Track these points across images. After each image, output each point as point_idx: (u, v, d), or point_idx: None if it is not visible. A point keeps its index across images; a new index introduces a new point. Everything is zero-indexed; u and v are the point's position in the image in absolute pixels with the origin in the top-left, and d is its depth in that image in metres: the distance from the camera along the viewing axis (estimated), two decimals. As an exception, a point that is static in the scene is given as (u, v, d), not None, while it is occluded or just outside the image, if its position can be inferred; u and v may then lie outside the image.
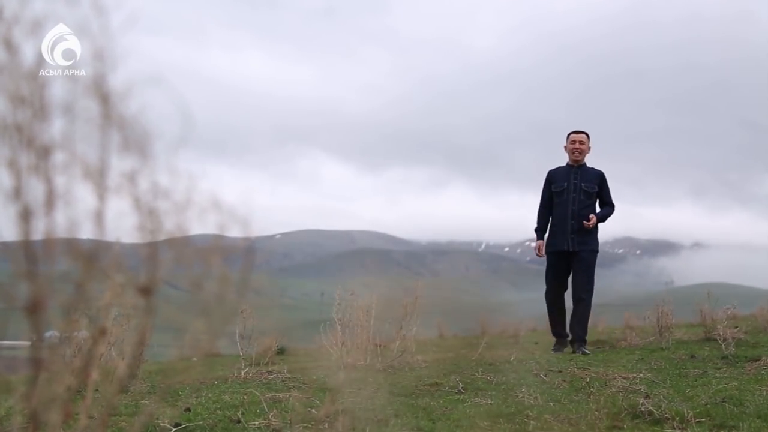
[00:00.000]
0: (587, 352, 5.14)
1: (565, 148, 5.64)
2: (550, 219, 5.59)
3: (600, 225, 5.57)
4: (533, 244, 5.75)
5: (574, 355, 5.10)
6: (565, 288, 5.52)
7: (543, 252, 5.62)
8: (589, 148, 5.61)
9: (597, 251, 5.57)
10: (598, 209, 5.63)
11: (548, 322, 5.75)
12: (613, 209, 5.60)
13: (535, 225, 5.70)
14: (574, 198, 5.46)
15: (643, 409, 2.28)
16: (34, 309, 0.79)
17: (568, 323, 5.54)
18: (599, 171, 5.58)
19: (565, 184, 5.51)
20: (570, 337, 5.45)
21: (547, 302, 5.61)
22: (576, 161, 5.54)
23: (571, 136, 5.63)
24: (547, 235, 5.65)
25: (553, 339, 5.76)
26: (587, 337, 5.54)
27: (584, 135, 5.61)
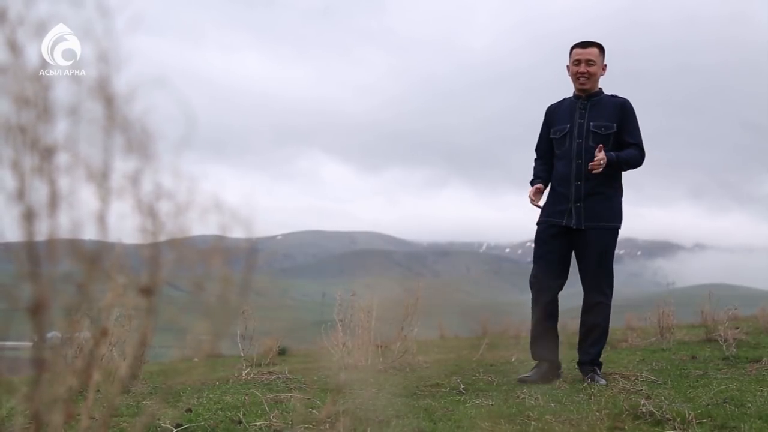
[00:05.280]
0: (603, 381, 3.36)
1: (568, 69, 3.70)
2: (551, 178, 3.72)
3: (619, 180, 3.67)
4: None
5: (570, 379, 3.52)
6: (562, 281, 3.62)
7: (536, 198, 3.68)
8: (604, 68, 3.67)
9: (618, 228, 3.61)
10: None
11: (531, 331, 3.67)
12: (641, 154, 3.61)
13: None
14: (580, 146, 3.56)
15: (644, 410, 2.28)
16: (36, 310, 0.79)
17: (575, 341, 3.69)
18: (621, 99, 3.65)
19: (568, 126, 3.62)
20: (578, 359, 3.63)
21: (533, 301, 3.63)
22: (584, 90, 3.63)
23: (575, 51, 3.65)
24: (543, 201, 3.73)
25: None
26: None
27: (595, 48, 3.63)
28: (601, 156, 3.42)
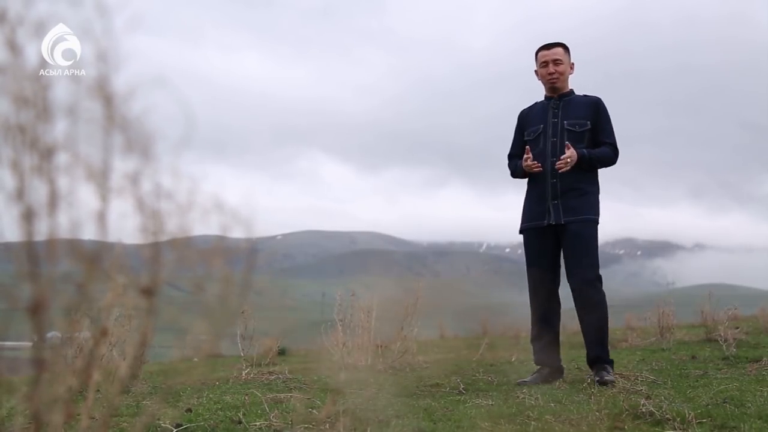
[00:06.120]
0: (612, 379, 3.29)
1: (536, 73, 3.75)
2: (527, 182, 3.73)
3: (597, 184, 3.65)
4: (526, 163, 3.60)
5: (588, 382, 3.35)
6: (557, 279, 3.64)
7: (530, 158, 3.57)
8: (571, 66, 3.72)
9: (597, 221, 3.57)
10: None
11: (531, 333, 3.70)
12: (615, 153, 3.60)
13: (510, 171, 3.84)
14: (555, 144, 3.57)
15: (644, 410, 2.28)
16: (36, 310, 0.79)
17: (574, 341, 3.83)
18: (593, 98, 3.67)
19: (542, 126, 3.65)
20: (586, 356, 3.55)
21: (531, 307, 3.67)
22: (555, 89, 3.68)
23: (540, 54, 3.71)
24: (523, 206, 3.76)
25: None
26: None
27: (560, 48, 3.68)
28: (568, 154, 3.44)
